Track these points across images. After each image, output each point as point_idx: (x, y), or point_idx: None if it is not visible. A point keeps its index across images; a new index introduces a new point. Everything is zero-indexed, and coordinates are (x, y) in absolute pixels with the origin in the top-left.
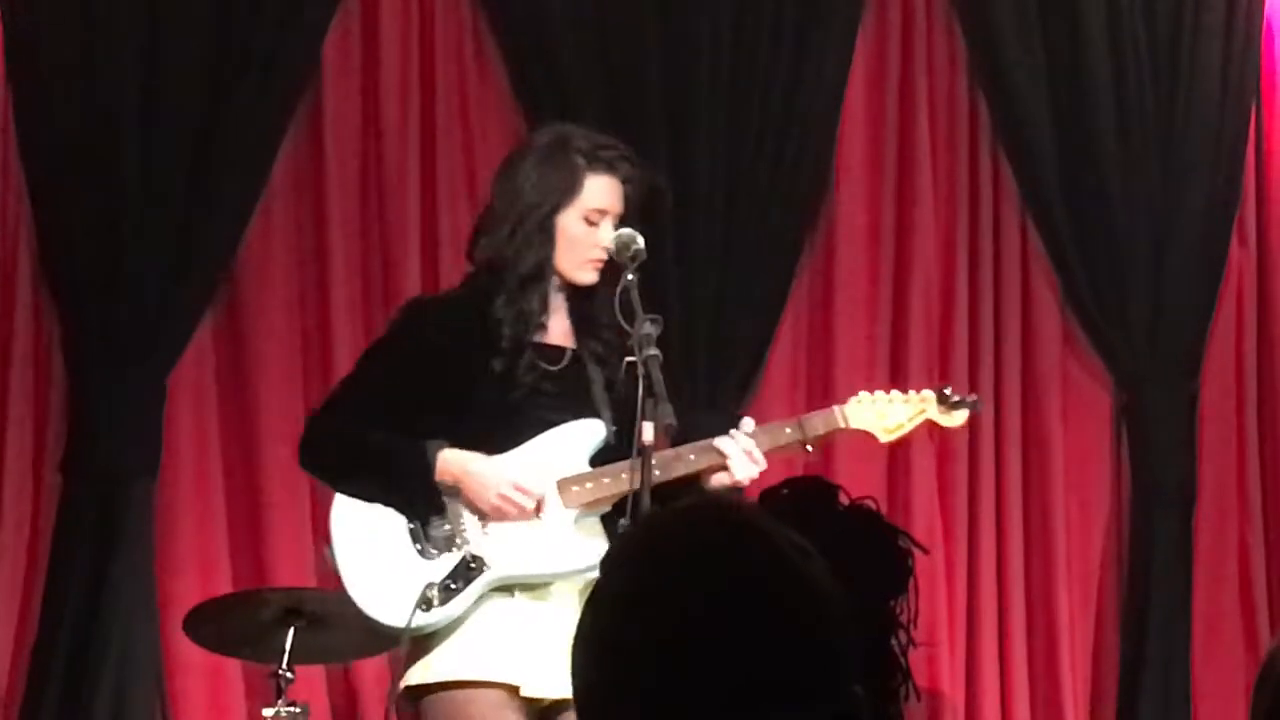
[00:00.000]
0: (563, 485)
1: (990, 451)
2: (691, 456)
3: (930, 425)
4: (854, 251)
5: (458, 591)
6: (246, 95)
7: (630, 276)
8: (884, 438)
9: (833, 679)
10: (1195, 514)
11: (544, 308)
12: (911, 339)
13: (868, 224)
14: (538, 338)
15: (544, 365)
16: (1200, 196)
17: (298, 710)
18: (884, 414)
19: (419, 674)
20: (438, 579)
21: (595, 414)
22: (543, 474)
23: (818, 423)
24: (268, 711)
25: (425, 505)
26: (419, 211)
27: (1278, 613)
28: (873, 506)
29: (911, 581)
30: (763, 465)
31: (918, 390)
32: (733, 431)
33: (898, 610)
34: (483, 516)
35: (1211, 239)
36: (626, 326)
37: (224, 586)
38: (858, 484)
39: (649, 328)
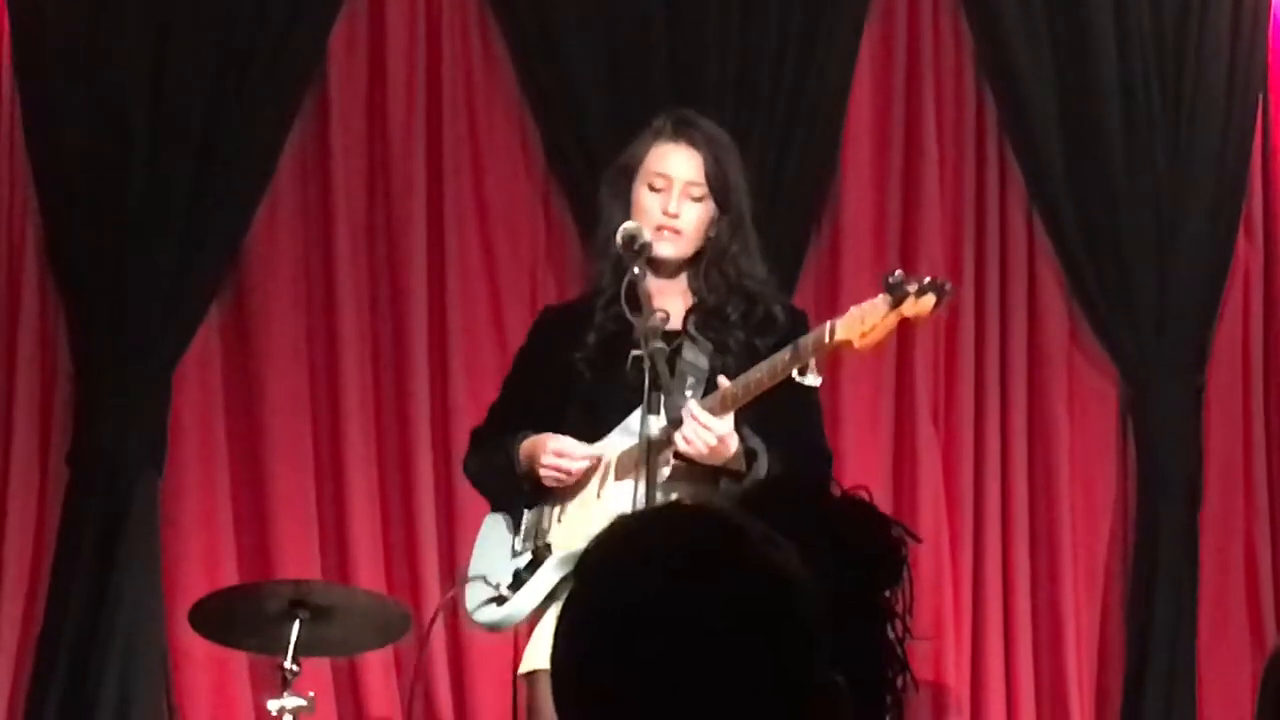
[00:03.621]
0: (621, 460)
1: (996, 445)
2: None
3: (902, 321)
4: (860, 246)
5: (525, 582)
6: (252, 90)
7: (636, 269)
8: (859, 344)
9: (803, 665)
10: (1201, 508)
11: (621, 277)
12: (917, 333)
13: (873, 218)
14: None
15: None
16: (1206, 191)
17: (303, 703)
18: (863, 319)
19: (522, 664)
20: (513, 572)
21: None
22: (613, 450)
23: (809, 341)
24: (273, 704)
25: (515, 497)
26: (425, 206)
27: None
28: (865, 497)
29: (906, 571)
30: (718, 430)
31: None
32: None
33: (893, 601)
34: (560, 503)
35: (1217, 233)
36: (632, 319)
37: (229, 578)
38: (862, 476)
39: (655, 320)
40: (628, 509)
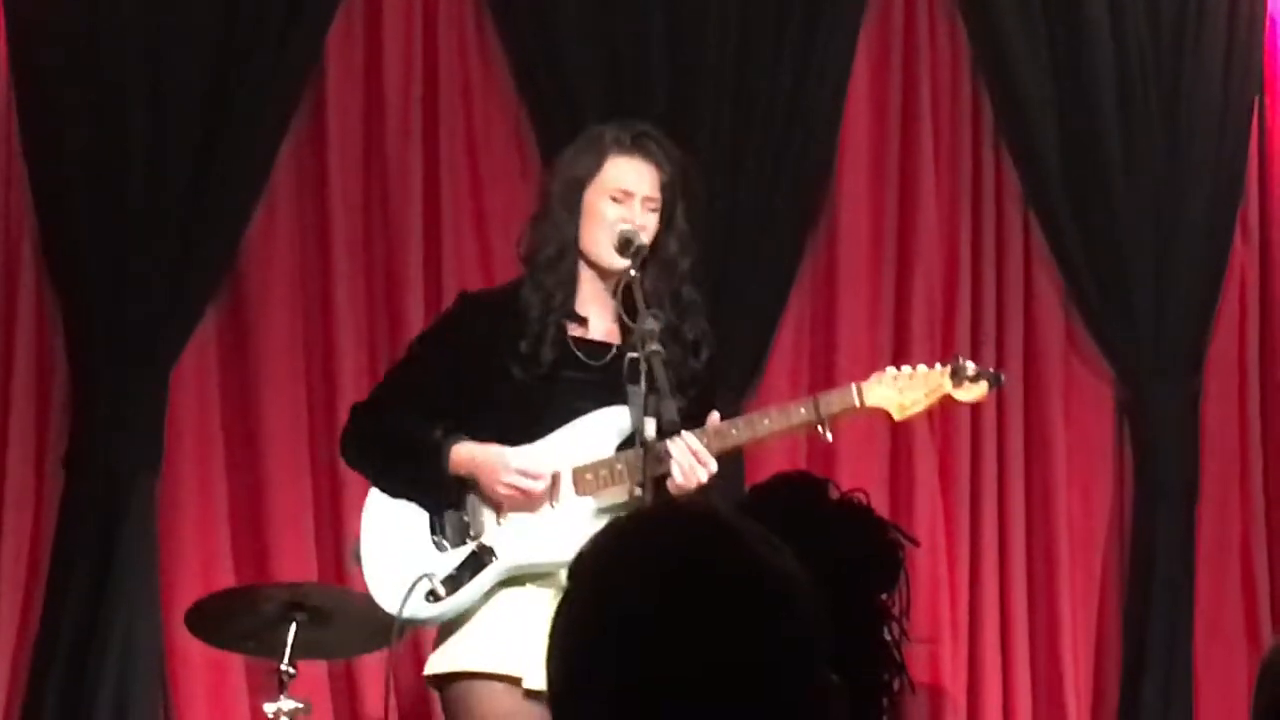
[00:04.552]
0: (577, 473)
1: (993, 448)
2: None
3: (947, 400)
4: (856, 248)
5: (464, 583)
6: (250, 92)
7: (633, 273)
8: (898, 415)
9: (803, 667)
10: (1197, 510)
11: (570, 290)
12: (914, 335)
13: (870, 220)
14: (578, 332)
15: (583, 358)
16: (1203, 193)
17: (300, 706)
18: (901, 390)
19: (434, 663)
20: (446, 571)
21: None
22: (559, 461)
23: (833, 401)
24: (270, 707)
25: (441, 498)
26: (422, 208)
27: None
28: (862, 500)
29: (903, 574)
30: (711, 468)
31: (929, 365)
32: (682, 432)
33: (890, 603)
34: (498, 508)
35: (1214, 235)
36: (629, 322)
37: (226, 581)
38: (859, 480)
39: (651, 324)
40: (588, 525)
